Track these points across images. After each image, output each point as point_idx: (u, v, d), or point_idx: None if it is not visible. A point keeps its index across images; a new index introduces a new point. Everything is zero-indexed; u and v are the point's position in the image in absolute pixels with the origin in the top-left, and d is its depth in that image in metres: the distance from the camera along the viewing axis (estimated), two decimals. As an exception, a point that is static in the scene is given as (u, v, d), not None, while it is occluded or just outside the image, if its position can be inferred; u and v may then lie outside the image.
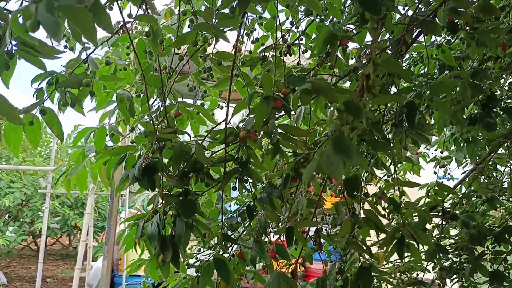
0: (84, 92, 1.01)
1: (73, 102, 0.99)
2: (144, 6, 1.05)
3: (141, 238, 1.03)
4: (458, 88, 1.37)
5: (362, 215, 1.15)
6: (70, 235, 9.98)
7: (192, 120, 1.57)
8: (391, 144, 1.17)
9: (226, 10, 1.02)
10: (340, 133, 0.76)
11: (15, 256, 8.84)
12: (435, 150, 2.55)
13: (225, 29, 1.03)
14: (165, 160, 1.08)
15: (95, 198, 6.60)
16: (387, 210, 1.17)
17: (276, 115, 1.07)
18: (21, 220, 8.06)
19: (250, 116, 1.08)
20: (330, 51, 1.02)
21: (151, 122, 1.02)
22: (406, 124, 1.14)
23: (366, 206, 1.15)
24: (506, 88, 1.76)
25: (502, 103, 1.72)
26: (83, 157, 1.44)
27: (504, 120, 1.74)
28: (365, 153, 1.30)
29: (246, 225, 1.20)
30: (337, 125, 0.77)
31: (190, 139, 1.17)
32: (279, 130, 0.95)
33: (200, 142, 1.10)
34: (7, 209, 7.77)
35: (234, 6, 0.97)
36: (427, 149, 2.51)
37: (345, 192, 1.17)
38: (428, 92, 1.19)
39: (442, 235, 1.74)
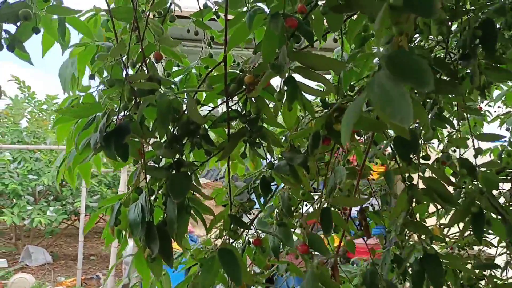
0: (25, 28, 0.74)
1: (12, 44, 0.71)
2: None
3: (117, 226, 0.75)
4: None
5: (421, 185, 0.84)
6: (112, 213, 10.15)
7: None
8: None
9: None
10: (397, 47, 0.43)
11: (60, 235, 9.07)
12: (498, 107, 2.14)
13: None
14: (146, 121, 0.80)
15: (128, 175, 6.54)
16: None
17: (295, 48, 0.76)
18: (63, 201, 8.19)
19: (257, 53, 0.77)
20: None
21: (120, 65, 0.73)
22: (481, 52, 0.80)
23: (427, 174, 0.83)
24: None
25: None
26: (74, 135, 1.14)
27: None
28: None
29: (263, 204, 0.90)
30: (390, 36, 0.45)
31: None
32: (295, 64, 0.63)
33: (192, 94, 0.81)
34: (48, 189, 7.92)
35: None
36: (489, 106, 2.10)
37: (397, 156, 0.86)
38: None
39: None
